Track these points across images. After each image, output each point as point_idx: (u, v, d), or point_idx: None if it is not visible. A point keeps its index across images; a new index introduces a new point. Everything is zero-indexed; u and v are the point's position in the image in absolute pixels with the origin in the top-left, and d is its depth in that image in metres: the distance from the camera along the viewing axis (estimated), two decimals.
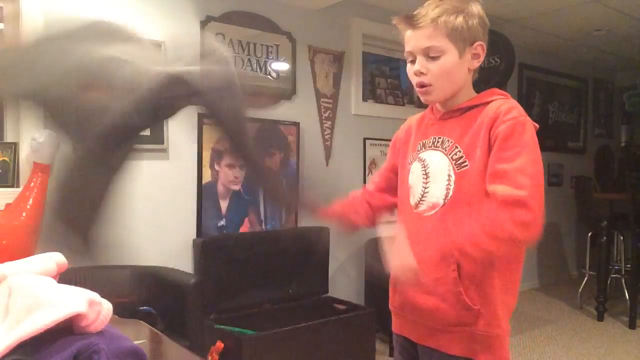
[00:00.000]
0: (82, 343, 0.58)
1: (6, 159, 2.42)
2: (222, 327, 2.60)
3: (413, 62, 1.22)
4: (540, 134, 1.22)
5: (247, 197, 3.15)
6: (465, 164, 1.17)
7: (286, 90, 3.30)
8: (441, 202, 1.18)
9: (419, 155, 1.27)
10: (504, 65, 3.82)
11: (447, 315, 1.17)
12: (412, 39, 1.20)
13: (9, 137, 2.52)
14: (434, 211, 1.19)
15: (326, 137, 3.54)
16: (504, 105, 1.17)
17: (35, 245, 2.26)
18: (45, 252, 0.76)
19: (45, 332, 0.58)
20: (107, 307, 0.64)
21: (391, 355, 3.24)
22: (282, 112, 3.30)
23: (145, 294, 2.41)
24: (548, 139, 5.22)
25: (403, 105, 4.02)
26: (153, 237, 2.79)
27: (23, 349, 0.57)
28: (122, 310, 1.10)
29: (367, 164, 3.77)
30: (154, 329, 1.23)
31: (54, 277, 0.69)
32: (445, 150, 1.21)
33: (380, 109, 3.87)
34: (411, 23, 1.20)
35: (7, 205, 2.28)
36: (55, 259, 0.70)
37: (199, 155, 2.94)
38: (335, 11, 3.55)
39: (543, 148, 1.19)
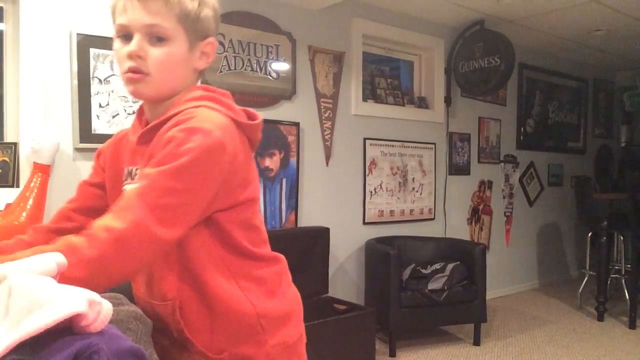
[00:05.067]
0: (82, 343, 0.58)
1: (6, 159, 2.42)
2: None
3: (126, 39, 0.93)
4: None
5: None
6: None
7: (286, 90, 3.30)
8: None
9: (124, 188, 0.99)
10: (504, 65, 3.82)
11: None
12: (132, 10, 0.91)
13: (9, 137, 2.52)
14: None
15: (326, 137, 3.54)
16: (182, 116, 0.91)
17: None
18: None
19: (45, 332, 0.57)
20: (107, 307, 0.64)
21: (391, 355, 3.24)
22: (282, 112, 3.30)
23: None
24: (548, 139, 5.22)
25: (403, 105, 4.03)
26: None
27: (23, 349, 0.57)
28: None
29: (367, 164, 3.77)
30: None
31: (54, 277, 0.69)
32: None
33: (380, 109, 3.87)
34: None
35: (7, 205, 2.28)
36: (55, 259, 0.70)
37: None
38: (335, 11, 3.55)
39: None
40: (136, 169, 0.97)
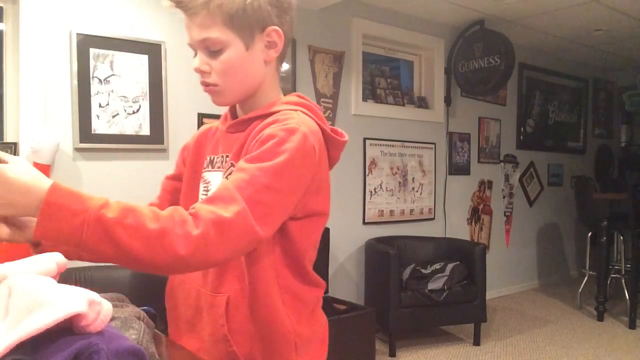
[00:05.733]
0: (82, 343, 0.58)
1: None
2: None
3: (196, 55, 0.97)
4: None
5: None
6: None
7: (286, 90, 3.29)
8: None
9: (203, 175, 1.04)
10: (504, 65, 3.82)
11: None
12: (188, 29, 0.95)
13: (9, 137, 2.52)
14: None
15: None
16: (281, 116, 0.94)
17: None
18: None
19: (45, 332, 0.57)
20: (107, 307, 0.64)
21: (391, 355, 3.24)
22: None
23: (145, 294, 2.41)
24: (548, 139, 5.23)
25: (403, 105, 4.03)
26: None
27: (23, 349, 0.57)
28: None
29: (367, 164, 3.77)
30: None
31: (54, 277, 0.69)
32: (226, 173, 0.97)
33: (380, 109, 3.87)
34: (183, 7, 0.93)
35: None
36: (55, 259, 0.70)
37: None
38: (335, 11, 3.55)
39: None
40: (227, 156, 0.99)
